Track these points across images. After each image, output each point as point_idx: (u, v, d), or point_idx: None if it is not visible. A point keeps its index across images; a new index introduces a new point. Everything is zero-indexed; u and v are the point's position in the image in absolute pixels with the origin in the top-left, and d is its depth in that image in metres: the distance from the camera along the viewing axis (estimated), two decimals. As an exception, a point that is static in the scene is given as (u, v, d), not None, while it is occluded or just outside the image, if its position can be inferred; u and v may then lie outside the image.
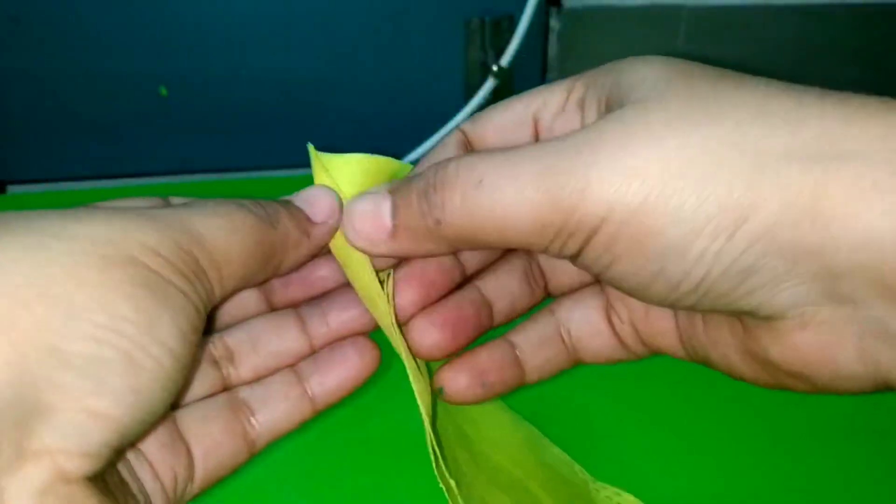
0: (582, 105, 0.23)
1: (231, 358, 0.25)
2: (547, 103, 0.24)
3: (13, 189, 0.66)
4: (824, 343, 0.19)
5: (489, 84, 0.65)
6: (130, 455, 0.21)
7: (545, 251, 0.20)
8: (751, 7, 0.71)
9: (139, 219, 0.19)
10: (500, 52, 0.65)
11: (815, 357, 0.19)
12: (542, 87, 0.24)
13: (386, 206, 0.22)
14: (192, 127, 0.67)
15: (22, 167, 0.66)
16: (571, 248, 0.20)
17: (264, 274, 0.22)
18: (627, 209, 0.18)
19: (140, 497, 0.21)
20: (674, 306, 0.20)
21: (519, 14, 0.64)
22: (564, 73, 0.71)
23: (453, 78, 0.68)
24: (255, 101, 0.66)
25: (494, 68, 0.64)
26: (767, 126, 0.18)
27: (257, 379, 0.25)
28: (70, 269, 0.18)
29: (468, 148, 0.25)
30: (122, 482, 0.20)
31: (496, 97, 0.67)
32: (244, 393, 0.24)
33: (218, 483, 0.23)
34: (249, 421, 0.24)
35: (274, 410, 0.24)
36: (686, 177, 0.18)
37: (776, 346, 0.19)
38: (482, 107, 0.66)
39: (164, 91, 0.65)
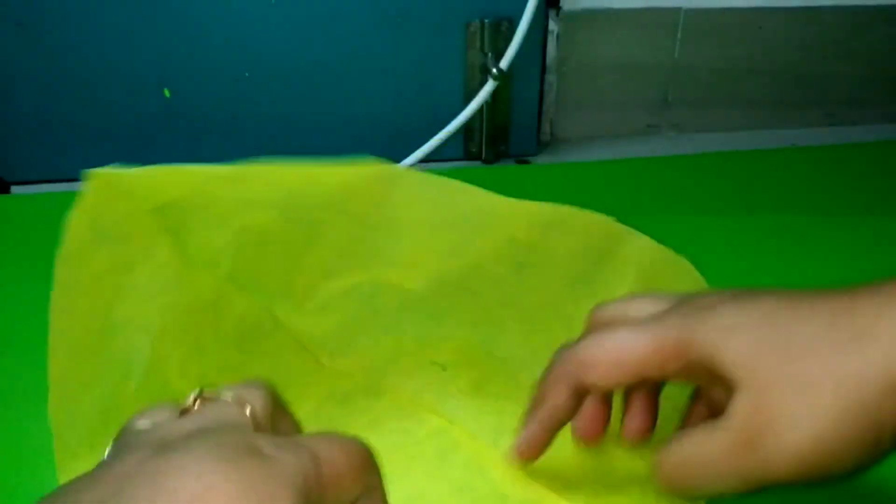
0: (685, 375, 0.27)
1: None
2: (647, 371, 0.28)
3: (17, 190, 0.67)
4: None
5: (489, 86, 0.65)
6: None
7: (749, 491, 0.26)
8: (748, 9, 0.71)
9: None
10: (499, 55, 0.66)
11: None
12: (634, 349, 0.28)
13: None
14: (195, 128, 0.67)
15: (26, 168, 0.67)
16: None
17: None
18: None
19: None
20: None
21: (518, 16, 0.64)
22: (563, 75, 0.72)
23: (453, 80, 0.68)
24: (258, 103, 0.67)
25: (494, 70, 0.65)
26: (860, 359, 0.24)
27: None
28: None
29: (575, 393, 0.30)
30: None
31: (495, 99, 0.68)
32: None
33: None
34: None
35: None
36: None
37: None
38: (481, 109, 0.66)
39: (167, 93, 0.65)
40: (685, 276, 0.39)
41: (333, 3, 0.64)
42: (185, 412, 0.21)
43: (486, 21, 0.66)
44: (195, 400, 0.22)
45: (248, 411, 0.21)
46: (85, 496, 0.18)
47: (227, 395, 0.22)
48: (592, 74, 0.72)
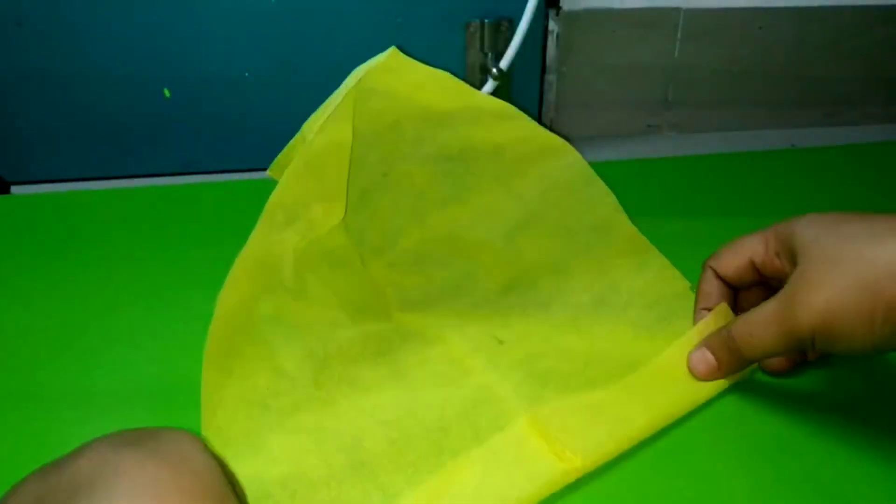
0: (778, 256, 0.37)
1: None
2: (757, 254, 0.38)
3: (17, 190, 0.67)
4: None
5: (489, 86, 0.65)
6: None
7: (791, 348, 0.35)
8: (748, 9, 0.71)
9: None
10: (499, 55, 0.66)
11: None
12: (750, 240, 0.39)
13: (710, 357, 0.38)
14: (195, 128, 0.67)
15: (26, 168, 0.67)
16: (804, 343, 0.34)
17: None
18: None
19: None
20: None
21: (518, 17, 0.64)
22: (563, 75, 0.72)
23: (453, 80, 0.68)
24: (258, 103, 0.67)
25: (494, 70, 0.65)
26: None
27: None
28: None
29: (717, 278, 0.41)
30: None
31: (495, 99, 0.68)
32: None
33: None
34: None
35: None
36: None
37: None
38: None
39: (167, 93, 0.65)
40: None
41: (333, 3, 0.64)
42: None
43: (486, 21, 0.66)
44: None
45: None
46: None
47: None
48: (592, 74, 0.73)
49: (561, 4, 0.69)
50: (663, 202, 0.57)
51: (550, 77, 0.72)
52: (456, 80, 0.43)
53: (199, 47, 0.64)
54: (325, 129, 0.41)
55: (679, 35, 0.72)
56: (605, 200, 0.48)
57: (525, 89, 0.71)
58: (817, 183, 0.61)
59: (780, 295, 0.34)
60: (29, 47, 0.62)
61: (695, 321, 0.41)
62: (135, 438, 0.24)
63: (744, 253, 0.39)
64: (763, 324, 0.34)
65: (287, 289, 0.41)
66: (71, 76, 0.63)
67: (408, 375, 0.40)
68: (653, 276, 0.46)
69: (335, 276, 0.44)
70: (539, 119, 0.73)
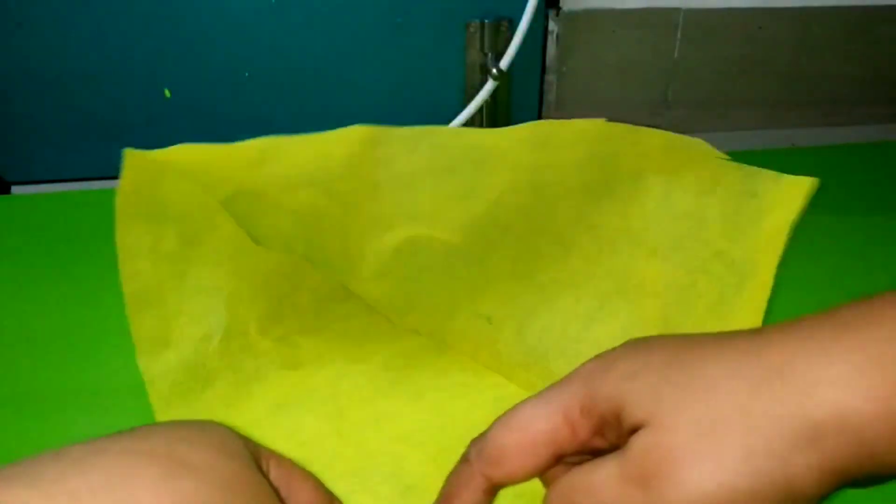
0: (602, 434, 0.25)
1: None
2: (563, 443, 0.25)
3: (18, 190, 0.67)
4: None
5: (489, 86, 0.65)
6: None
7: None
8: (748, 9, 0.71)
9: None
10: (499, 55, 0.66)
11: None
12: (542, 427, 0.25)
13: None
14: (196, 128, 0.67)
15: (27, 168, 0.67)
16: None
17: None
18: None
19: None
20: None
21: (518, 17, 0.64)
22: (563, 75, 0.72)
23: (453, 80, 0.68)
24: (258, 103, 0.67)
25: (494, 71, 0.65)
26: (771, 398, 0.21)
27: None
28: None
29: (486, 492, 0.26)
30: None
31: (495, 99, 0.68)
32: None
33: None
34: None
35: None
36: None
37: None
38: (481, 109, 0.66)
39: (167, 93, 0.65)
40: (703, 153, 0.38)
41: (333, 3, 0.64)
42: None
43: (486, 21, 0.66)
44: None
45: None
46: None
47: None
48: (592, 74, 0.73)
49: (561, 4, 0.69)
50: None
51: (550, 77, 0.72)
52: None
53: (199, 47, 0.64)
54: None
55: (679, 35, 0.72)
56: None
57: (525, 89, 0.71)
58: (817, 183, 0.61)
59: (628, 469, 0.22)
60: (29, 47, 0.62)
61: None
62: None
63: (540, 448, 0.25)
64: (597, 496, 0.23)
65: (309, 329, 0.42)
66: (71, 76, 0.63)
67: (426, 395, 0.40)
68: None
69: (336, 317, 0.44)
70: (539, 119, 0.73)
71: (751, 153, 0.66)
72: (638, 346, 0.25)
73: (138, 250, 0.39)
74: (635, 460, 0.22)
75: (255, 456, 0.24)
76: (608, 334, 0.39)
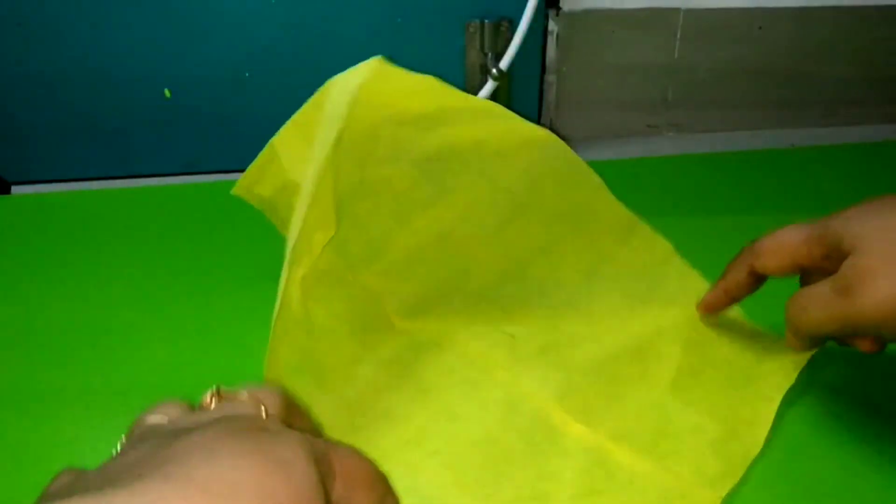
0: (827, 259, 0.35)
1: None
2: (800, 256, 0.37)
3: (18, 190, 0.67)
4: None
5: (489, 86, 0.65)
6: None
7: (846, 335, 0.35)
8: (748, 9, 0.71)
9: None
10: (499, 55, 0.66)
11: None
12: (793, 239, 0.37)
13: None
14: (196, 128, 0.67)
15: (27, 168, 0.67)
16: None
17: None
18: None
19: None
20: None
21: (518, 17, 0.65)
22: (563, 75, 0.72)
23: (453, 80, 0.67)
24: (258, 103, 0.67)
25: (494, 71, 0.65)
26: None
27: None
28: None
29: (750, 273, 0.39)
30: None
31: (495, 99, 0.68)
32: None
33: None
34: None
35: None
36: None
37: None
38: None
39: (168, 93, 0.65)
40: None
41: (333, 3, 0.64)
42: (201, 408, 0.22)
43: (486, 21, 0.66)
44: (212, 397, 0.22)
45: (262, 408, 0.22)
46: (95, 481, 0.18)
47: (243, 394, 0.23)
48: (592, 74, 0.73)
49: (561, 5, 0.69)
50: (663, 202, 0.57)
51: (550, 77, 0.72)
52: (440, 83, 0.43)
53: (199, 47, 0.64)
54: (319, 160, 0.40)
55: (679, 35, 0.72)
56: (589, 182, 0.47)
57: (525, 89, 0.71)
58: (817, 183, 0.61)
59: (838, 282, 0.33)
60: (29, 47, 0.62)
61: (709, 294, 0.41)
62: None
63: (787, 255, 0.37)
64: (821, 304, 0.34)
65: (297, 322, 0.41)
66: (71, 76, 0.63)
67: (434, 389, 0.40)
68: (638, 244, 0.46)
69: (333, 297, 0.44)
70: (539, 119, 0.73)
71: (750, 153, 0.66)
72: (864, 203, 0.36)
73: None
74: (842, 277, 0.33)
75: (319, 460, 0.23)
76: (625, 373, 0.40)
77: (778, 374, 0.39)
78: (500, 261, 0.46)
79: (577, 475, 0.35)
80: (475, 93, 0.66)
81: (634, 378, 0.39)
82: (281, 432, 0.20)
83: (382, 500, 0.24)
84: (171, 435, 0.20)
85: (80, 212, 0.55)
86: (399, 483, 0.35)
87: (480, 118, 0.44)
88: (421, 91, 0.43)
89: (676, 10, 0.71)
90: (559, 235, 0.46)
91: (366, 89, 0.40)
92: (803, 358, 0.38)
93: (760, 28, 0.72)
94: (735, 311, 0.42)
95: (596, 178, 0.46)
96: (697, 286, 0.43)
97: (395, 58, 0.67)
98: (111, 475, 0.18)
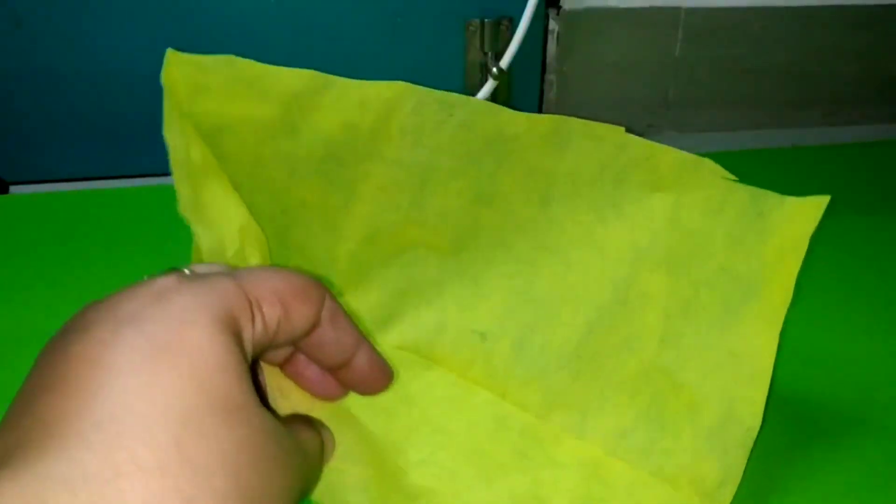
0: None
1: None
2: None
3: (16, 189, 0.67)
4: None
5: (489, 86, 0.65)
6: None
7: None
8: (748, 9, 0.71)
9: None
10: (499, 54, 0.66)
11: None
12: None
13: None
14: (194, 128, 0.67)
15: (25, 168, 0.67)
16: None
17: None
18: None
19: None
20: None
21: (518, 16, 0.64)
22: (563, 74, 0.72)
23: (452, 79, 0.68)
24: (257, 103, 0.67)
25: (494, 70, 0.65)
26: None
27: None
28: None
29: None
30: None
31: (495, 99, 0.68)
32: None
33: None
34: None
35: None
36: None
37: None
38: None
39: (166, 93, 0.65)
40: (711, 172, 0.39)
41: (333, 2, 0.64)
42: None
43: (486, 20, 0.66)
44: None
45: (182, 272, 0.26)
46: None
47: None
48: (592, 74, 0.72)
49: (561, 4, 0.69)
50: (663, 202, 0.57)
51: (550, 76, 0.72)
52: (235, 68, 0.38)
53: (199, 47, 0.64)
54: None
55: (679, 34, 0.72)
56: (475, 108, 0.38)
57: (525, 89, 0.71)
58: (817, 183, 0.61)
59: None
60: (29, 47, 0.62)
61: None
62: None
63: None
64: None
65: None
66: (71, 76, 0.63)
67: (417, 402, 0.38)
68: (579, 144, 0.37)
69: None
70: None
71: (751, 153, 0.66)
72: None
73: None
74: None
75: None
76: (609, 344, 0.37)
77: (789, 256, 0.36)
78: (442, 231, 0.40)
79: (576, 484, 0.34)
80: (475, 92, 0.66)
81: (619, 348, 0.36)
82: (195, 286, 0.24)
83: (325, 307, 0.25)
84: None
85: (79, 212, 0.55)
86: (388, 483, 0.34)
87: (325, 97, 0.40)
88: (238, 93, 0.39)
89: (678, 8, 0.70)
90: (491, 178, 0.38)
91: (184, 118, 0.39)
92: (813, 210, 0.35)
93: (762, 27, 0.72)
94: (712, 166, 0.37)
95: (492, 106, 0.37)
96: (666, 160, 0.37)
97: (395, 57, 0.67)
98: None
